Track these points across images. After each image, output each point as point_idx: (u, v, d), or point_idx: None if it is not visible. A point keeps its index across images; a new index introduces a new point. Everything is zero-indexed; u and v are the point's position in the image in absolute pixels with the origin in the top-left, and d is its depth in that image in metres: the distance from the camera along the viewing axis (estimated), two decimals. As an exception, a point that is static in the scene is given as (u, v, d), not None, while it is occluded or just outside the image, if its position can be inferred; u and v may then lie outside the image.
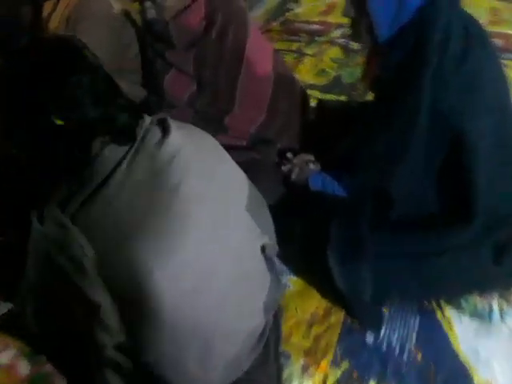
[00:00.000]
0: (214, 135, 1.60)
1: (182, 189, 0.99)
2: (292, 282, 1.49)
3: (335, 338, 1.36)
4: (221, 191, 1.06)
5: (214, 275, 1.02)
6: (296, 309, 1.42)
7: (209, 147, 1.12)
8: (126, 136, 0.97)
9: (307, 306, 1.45)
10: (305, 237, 1.40)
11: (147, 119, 1.04)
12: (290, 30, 2.60)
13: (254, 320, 1.16)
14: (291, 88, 1.68)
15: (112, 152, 0.96)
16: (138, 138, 0.99)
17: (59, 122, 0.89)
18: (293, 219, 1.47)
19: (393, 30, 1.14)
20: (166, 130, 1.04)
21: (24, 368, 1.05)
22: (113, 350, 1.02)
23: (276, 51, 1.72)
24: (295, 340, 1.38)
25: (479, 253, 1.20)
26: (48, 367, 1.05)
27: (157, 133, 1.03)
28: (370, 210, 1.25)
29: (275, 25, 2.64)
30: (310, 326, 1.40)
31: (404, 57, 1.14)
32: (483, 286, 1.28)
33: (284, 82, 1.63)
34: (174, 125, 1.06)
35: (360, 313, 1.26)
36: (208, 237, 1.01)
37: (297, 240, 1.42)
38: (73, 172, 0.96)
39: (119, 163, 0.96)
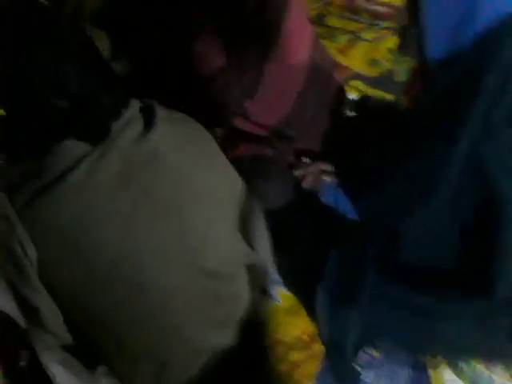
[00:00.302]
0: (232, 117, 1.48)
1: (151, 196, 0.86)
2: (282, 296, 1.36)
3: (312, 371, 1.24)
4: (200, 204, 0.92)
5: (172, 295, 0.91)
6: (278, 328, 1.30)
7: (198, 147, 0.97)
8: (96, 134, 0.83)
9: (292, 327, 1.32)
10: (302, 255, 1.26)
11: (130, 110, 0.90)
12: (353, 8, 2.35)
13: (220, 341, 1.05)
14: (327, 82, 1.50)
15: (76, 143, 0.83)
16: (113, 134, 0.85)
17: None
18: (295, 229, 1.33)
19: (447, 48, 0.94)
20: (149, 123, 0.90)
21: None
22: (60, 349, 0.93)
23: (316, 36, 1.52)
24: (268, 363, 1.27)
25: (494, 325, 1.03)
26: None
27: (138, 126, 0.89)
28: (378, 246, 1.09)
29: (337, -3, 2.40)
30: (289, 350, 1.28)
31: (454, 84, 0.94)
32: (490, 358, 1.11)
33: (319, 75, 1.45)
34: (161, 115, 0.92)
35: (336, 366, 1.13)
36: (173, 254, 0.89)
37: (294, 255, 1.28)
38: (28, 158, 0.83)
39: (83, 158, 0.82)
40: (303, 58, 1.41)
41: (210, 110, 1.42)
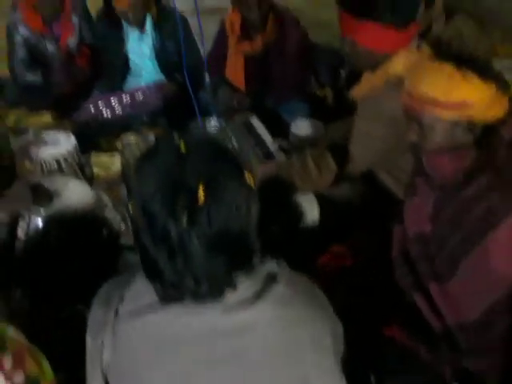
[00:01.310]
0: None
1: (216, 369, 0.86)
2: None
3: None
4: None
5: None
6: None
7: (296, 338, 0.87)
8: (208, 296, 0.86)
9: None
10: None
11: (254, 275, 0.87)
12: None
13: None
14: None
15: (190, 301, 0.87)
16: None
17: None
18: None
19: None
20: (259, 296, 0.86)
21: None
22: None
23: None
24: None
25: None
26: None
27: (247, 293, 0.86)
28: None
29: None
30: None
31: None
32: None
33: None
34: (277, 291, 0.87)
35: None
36: None
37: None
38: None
39: (176, 308, 0.86)
40: (505, 269, 1.16)
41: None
